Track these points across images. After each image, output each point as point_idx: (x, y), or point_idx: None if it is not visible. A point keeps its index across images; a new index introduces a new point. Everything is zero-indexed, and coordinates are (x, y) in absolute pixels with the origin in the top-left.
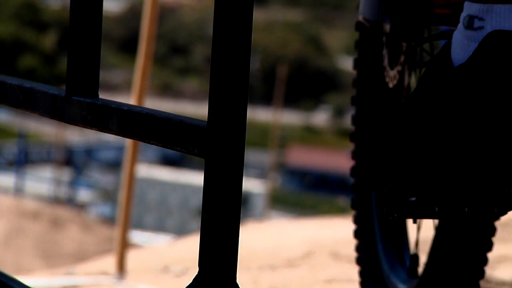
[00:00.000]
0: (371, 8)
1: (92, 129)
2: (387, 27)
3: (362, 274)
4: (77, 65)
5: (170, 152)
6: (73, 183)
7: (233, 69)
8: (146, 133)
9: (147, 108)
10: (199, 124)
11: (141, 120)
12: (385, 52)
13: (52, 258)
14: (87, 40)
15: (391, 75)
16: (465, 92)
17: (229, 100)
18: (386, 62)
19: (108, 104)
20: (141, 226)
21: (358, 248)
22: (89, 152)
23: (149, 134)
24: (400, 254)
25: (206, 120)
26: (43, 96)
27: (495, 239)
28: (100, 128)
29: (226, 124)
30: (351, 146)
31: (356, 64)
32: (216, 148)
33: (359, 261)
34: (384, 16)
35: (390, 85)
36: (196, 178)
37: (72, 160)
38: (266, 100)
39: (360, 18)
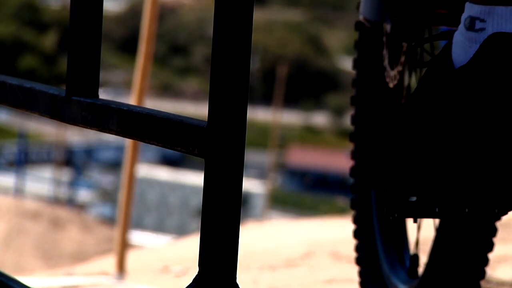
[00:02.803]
0: (371, 9)
1: (92, 129)
2: (387, 27)
3: (362, 274)
4: (77, 65)
5: (170, 152)
6: (73, 184)
7: (233, 69)
8: (146, 133)
9: (147, 108)
10: (199, 124)
11: (141, 120)
12: (385, 52)
13: (52, 259)
14: (87, 40)
15: (392, 75)
16: (466, 94)
17: (229, 100)
18: (386, 62)
19: (108, 104)
20: (141, 226)
21: (357, 248)
22: (89, 152)
23: (149, 134)
24: (400, 254)
25: (206, 120)
26: (43, 96)
27: (495, 240)
28: (100, 128)
29: (226, 124)
30: (351, 146)
31: (356, 64)
32: (216, 148)
33: (358, 261)
34: (385, 16)
35: (391, 85)
36: (196, 178)
37: (72, 160)
38: (266, 100)
39: (361, 18)
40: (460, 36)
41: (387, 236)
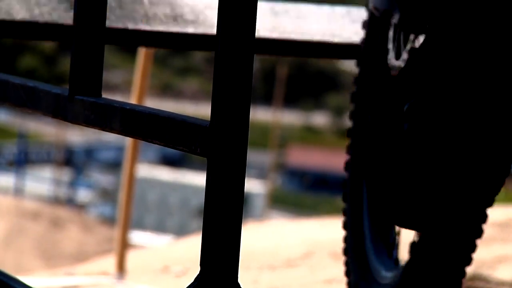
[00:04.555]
0: None
1: (95, 128)
2: (396, 17)
3: (348, 263)
4: (80, 65)
5: (170, 152)
6: (73, 183)
7: (236, 69)
8: (149, 132)
9: (150, 108)
10: (201, 124)
11: (144, 120)
12: (391, 45)
13: (52, 259)
14: (91, 39)
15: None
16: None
17: (232, 99)
18: (392, 54)
19: (111, 104)
20: (141, 226)
21: (346, 239)
22: (89, 152)
23: (151, 133)
24: (388, 245)
25: (207, 120)
26: (46, 95)
27: (495, 240)
28: (103, 127)
29: (228, 124)
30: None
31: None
32: (218, 147)
33: (345, 251)
34: (394, 6)
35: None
36: (196, 178)
37: (72, 160)
38: (266, 100)
39: (370, 7)
40: None
41: (376, 228)
